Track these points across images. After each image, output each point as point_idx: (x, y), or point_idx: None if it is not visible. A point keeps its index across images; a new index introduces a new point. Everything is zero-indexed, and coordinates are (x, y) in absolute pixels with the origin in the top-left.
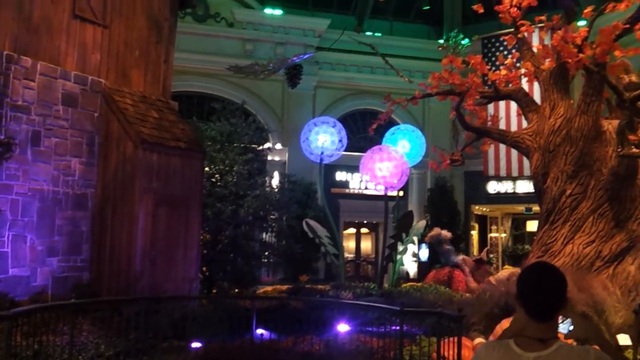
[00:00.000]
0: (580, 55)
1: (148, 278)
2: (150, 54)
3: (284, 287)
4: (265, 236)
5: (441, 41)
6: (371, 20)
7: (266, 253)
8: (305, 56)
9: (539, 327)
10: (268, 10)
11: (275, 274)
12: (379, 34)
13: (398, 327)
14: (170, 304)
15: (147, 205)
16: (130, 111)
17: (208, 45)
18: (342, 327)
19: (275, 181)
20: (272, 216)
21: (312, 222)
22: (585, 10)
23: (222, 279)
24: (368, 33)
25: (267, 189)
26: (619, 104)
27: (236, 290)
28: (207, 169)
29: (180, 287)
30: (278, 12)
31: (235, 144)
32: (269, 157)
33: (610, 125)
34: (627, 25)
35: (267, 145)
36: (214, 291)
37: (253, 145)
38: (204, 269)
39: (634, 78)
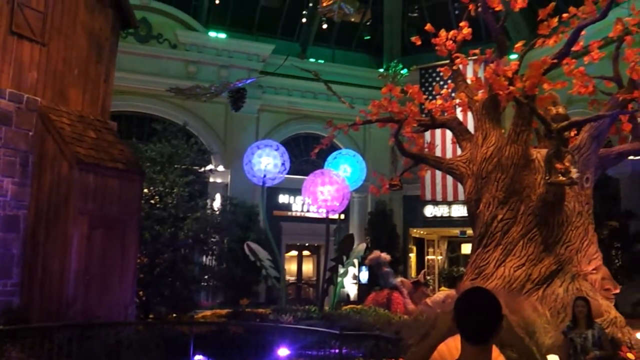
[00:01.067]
0: (511, 87)
1: (81, 303)
2: (90, 73)
3: (224, 312)
4: (205, 259)
5: (381, 70)
6: (314, 47)
7: (206, 277)
8: (249, 80)
9: (475, 350)
10: (212, 34)
11: (215, 298)
12: (322, 61)
13: (337, 350)
14: (104, 330)
15: (82, 227)
16: (66, 131)
17: (150, 65)
18: (283, 352)
19: (217, 203)
20: (212, 239)
21: (254, 245)
22: (517, 45)
23: (160, 304)
24: (311, 60)
25: (209, 211)
26: (546, 134)
27: (174, 315)
28: (146, 190)
29: (115, 312)
30: (222, 35)
31: (176, 166)
32: (211, 179)
33: (539, 154)
34: (555, 60)
35: (209, 167)
36: (151, 316)
37: (195, 167)
38: (141, 293)
39: (561, 110)
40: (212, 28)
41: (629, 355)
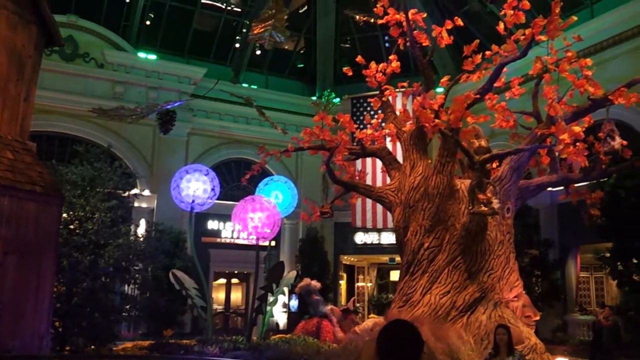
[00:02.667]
0: (437, 120)
1: None
2: (10, 91)
3: (146, 343)
4: (127, 288)
5: (314, 98)
6: (247, 73)
7: (127, 307)
8: (177, 103)
9: None
10: (142, 54)
11: (137, 329)
12: (255, 87)
13: None
14: None
15: None
16: None
17: (75, 85)
18: None
19: (142, 229)
20: (135, 267)
21: (179, 273)
22: (443, 79)
23: (77, 335)
24: (244, 84)
25: (132, 237)
26: (470, 165)
27: (92, 347)
28: (65, 215)
29: (30, 344)
30: (152, 57)
31: (98, 190)
32: (136, 204)
33: (463, 184)
34: (478, 96)
35: (134, 191)
36: (67, 349)
37: (118, 191)
38: (57, 324)
39: (483, 143)
40: (142, 49)
41: None
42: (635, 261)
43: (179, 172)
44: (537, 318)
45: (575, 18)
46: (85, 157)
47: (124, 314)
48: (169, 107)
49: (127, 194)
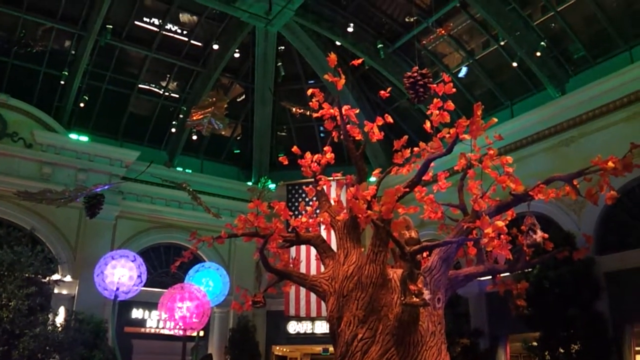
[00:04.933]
0: (369, 211)
1: None
2: None
3: None
4: None
5: (250, 183)
6: (182, 157)
7: None
8: (107, 186)
9: None
10: (74, 136)
11: None
12: (190, 170)
13: None
14: None
15: None
16: None
17: (0, 164)
18: None
19: (61, 318)
20: (52, 359)
21: None
22: (374, 172)
23: None
24: (179, 168)
25: (50, 327)
26: (401, 256)
27: None
28: None
29: None
30: (84, 138)
31: (17, 275)
32: (56, 291)
33: (395, 274)
34: (408, 189)
35: (56, 277)
36: None
37: (38, 276)
38: None
39: (413, 234)
40: (74, 130)
41: None
42: (562, 351)
43: (103, 257)
44: None
45: (495, 120)
46: (5, 240)
47: None
48: (98, 190)
49: (47, 279)
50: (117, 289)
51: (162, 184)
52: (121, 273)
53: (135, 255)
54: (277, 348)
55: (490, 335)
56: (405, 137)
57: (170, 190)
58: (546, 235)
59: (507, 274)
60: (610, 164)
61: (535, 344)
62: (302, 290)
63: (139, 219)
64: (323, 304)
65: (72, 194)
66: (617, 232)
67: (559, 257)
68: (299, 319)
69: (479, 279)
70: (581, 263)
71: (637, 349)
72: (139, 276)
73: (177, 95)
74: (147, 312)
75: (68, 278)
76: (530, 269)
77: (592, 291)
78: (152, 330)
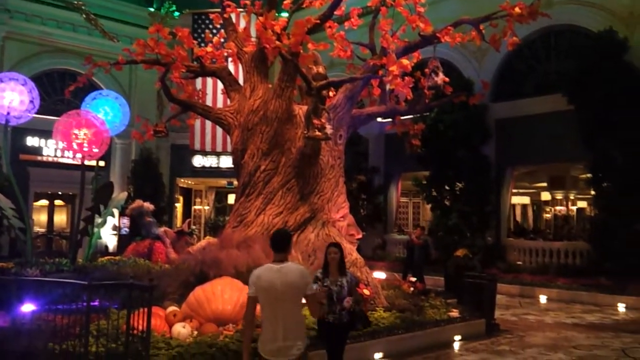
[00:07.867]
0: (278, 42)
1: None
2: None
3: None
4: None
5: (152, 9)
6: None
7: None
8: None
9: (279, 255)
10: None
11: None
12: None
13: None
14: None
15: None
16: None
17: None
18: (27, 307)
19: None
20: None
21: None
22: (285, 2)
23: None
24: None
25: None
26: (307, 91)
27: None
28: None
29: None
30: None
31: None
32: None
33: (301, 110)
34: (319, 21)
35: None
36: None
37: None
38: None
39: (321, 70)
40: None
41: (365, 291)
42: (447, 188)
43: None
44: (360, 237)
45: None
46: None
47: None
48: None
49: None
50: (8, 113)
51: (54, 3)
52: (11, 97)
53: (26, 79)
54: (182, 180)
55: (385, 173)
56: None
57: (64, 11)
58: (447, 79)
59: (407, 116)
60: (517, 9)
61: (424, 182)
62: (208, 124)
63: (29, 41)
64: (229, 138)
65: None
66: (512, 81)
67: (456, 102)
68: (204, 153)
69: (379, 120)
70: (475, 109)
71: (514, 190)
72: (32, 101)
73: None
74: (42, 140)
75: None
76: (428, 112)
77: (482, 136)
78: (50, 159)
